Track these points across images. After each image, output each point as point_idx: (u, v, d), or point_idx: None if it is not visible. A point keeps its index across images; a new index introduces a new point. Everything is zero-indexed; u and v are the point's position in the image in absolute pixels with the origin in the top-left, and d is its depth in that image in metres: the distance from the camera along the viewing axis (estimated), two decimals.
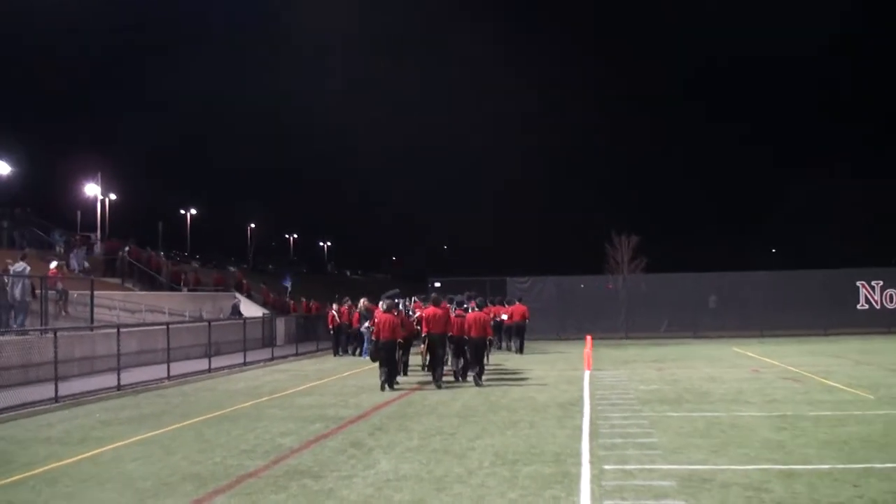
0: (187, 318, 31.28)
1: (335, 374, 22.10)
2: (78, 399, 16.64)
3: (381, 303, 19.12)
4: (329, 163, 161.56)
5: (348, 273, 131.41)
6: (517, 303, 30.04)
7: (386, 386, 17.80)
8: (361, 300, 28.83)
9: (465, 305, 20.44)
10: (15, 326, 21.03)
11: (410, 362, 21.61)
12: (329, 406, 15.30)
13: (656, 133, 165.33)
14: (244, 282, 48.94)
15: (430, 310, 19.17)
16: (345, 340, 29.71)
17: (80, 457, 10.76)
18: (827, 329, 34.83)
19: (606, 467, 9.44)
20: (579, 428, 12.16)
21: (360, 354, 27.75)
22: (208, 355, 23.19)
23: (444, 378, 18.87)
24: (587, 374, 20.39)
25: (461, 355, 19.54)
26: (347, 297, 30.72)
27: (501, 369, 22.68)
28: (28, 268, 22.42)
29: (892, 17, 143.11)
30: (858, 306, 35.71)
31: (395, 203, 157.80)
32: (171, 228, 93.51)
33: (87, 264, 32.64)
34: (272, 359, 26.83)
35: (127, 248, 38.49)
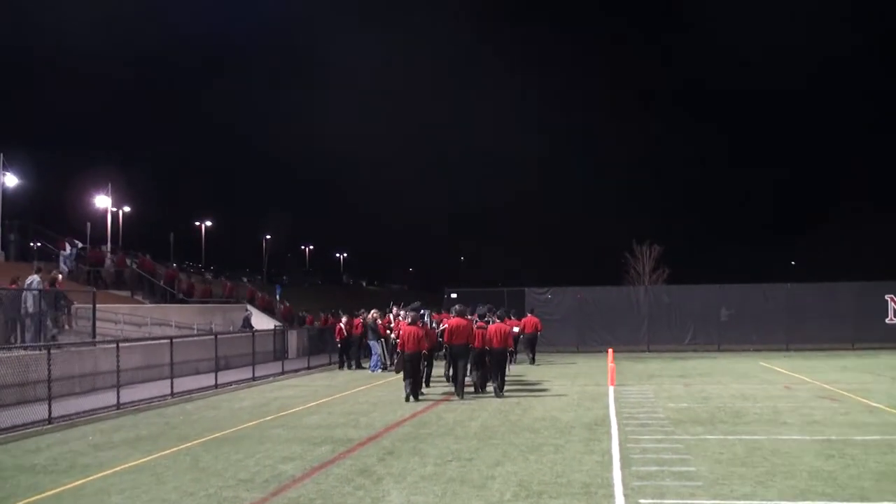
0: (195, 332, 30.36)
1: (346, 389, 21.13)
2: (73, 420, 15.73)
3: (405, 315, 19.61)
4: (346, 175, 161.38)
5: (364, 284, 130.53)
6: (529, 315, 29.76)
7: (411, 398, 17.93)
8: (371, 312, 27.84)
9: (487, 317, 20.48)
10: (27, 341, 20.37)
11: (433, 374, 21.45)
12: (338, 426, 14.33)
13: (679, 142, 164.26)
14: (259, 294, 48.12)
15: (454, 321, 19.16)
16: (356, 353, 28.74)
17: (62, 488, 9.81)
18: (854, 343, 33.69)
19: (643, 502, 8.46)
20: (608, 453, 11.17)
21: (370, 368, 26.88)
22: (215, 370, 22.26)
23: (465, 389, 18.84)
24: (611, 389, 19.42)
25: (481, 366, 19.38)
26: (363, 310, 29.71)
27: (521, 382, 21.73)
28: (42, 281, 22.02)
29: None
30: (887, 320, 34.45)
31: (411, 214, 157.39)
32: (187, 240, 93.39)
33: (72, 267, 31.67)
34: (282, 373, 25.89)
35: (136, 260, 37.86)
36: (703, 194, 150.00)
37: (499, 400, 17.80)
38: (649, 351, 34.75)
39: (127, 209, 71.08)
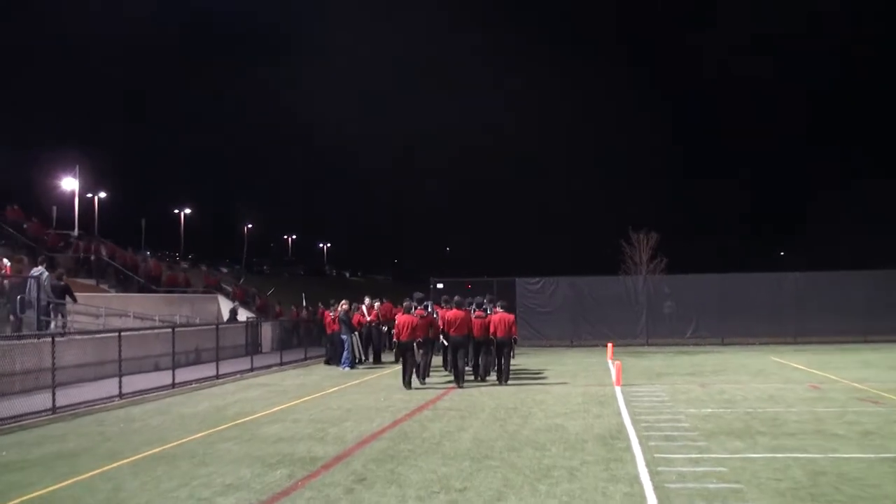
0: (158, 323, 27.85)
1: (318, 390, 18.73)
2: None
3: (406, 304, 19.69)
4: (330, 164, 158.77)
5: (347, 275, 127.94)
6: (499, 310, 26.35)
7: (410, 384, 18.62)
8: (342, 304, 25.39)
9: (485, 307, 20.42)
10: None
11: (432, 362, 21.00)
12: (301, 439, 11.95)
13: (678, 127, 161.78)
14: (234, 287, 45.52)
15: (452, 312, 19.55)
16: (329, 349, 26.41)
17: None
18: (867, 335, 31.59)
19: None
20: (637, 480, 8.83)
21: (340, 364, 24.51)
22: (172, 368, 19.85)
23: (466, 378, 19.43)
24: (618, 390, 17.15)
25: (484, 355, 19.96)
26: (332, 301, 27.27)
27: (515, 382, 19.50)
28: (46, 272, 21.55)
29: None
30: None
31: (397, 204, 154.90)
32: (168, 229, 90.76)
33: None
34: (251, 370, 23.46)
35: (100, 247, 35.41)
36: (691, 183, 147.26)
37: (493, 405, 15.45)
38: (648, 345, 32.52)
39: (103, 195, 68.74)
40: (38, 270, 21.43)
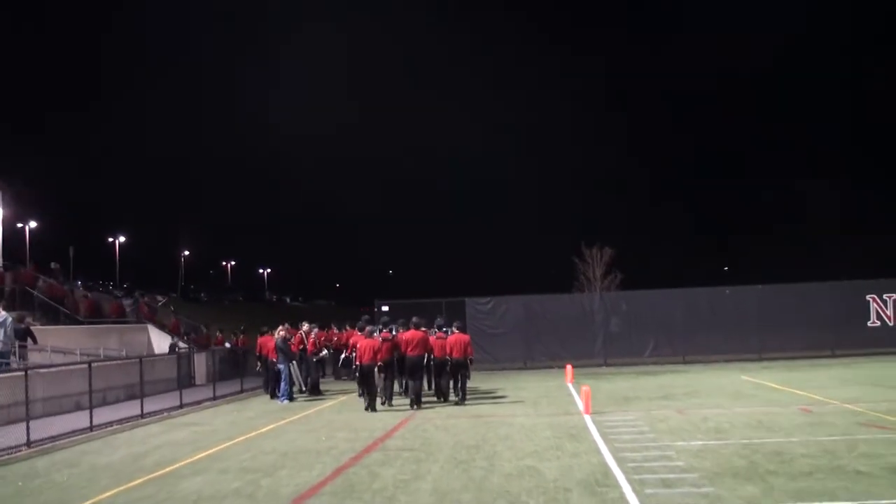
0: (77, 357, 25.42)
1: (252, 429, 16.61)
2: None
3: (365, 328, 20.20)
4: (271, 190, 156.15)
5: (288, 300, 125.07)
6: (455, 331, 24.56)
7: (370, 409, 18.61)
8: (279, 329, 23.28)
9: (445, 328, 20.26)
10: None
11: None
12: (227, 497, 9.88)
13: (631, 137, 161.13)
14: (167, 316, 42.91)
15: (410, 333, 19.53)
16: (267, 379, 24.29)
17: None
18: (834, 349, 30.27)
19: None
20: None
21: (279, 397, 22.38)
22: (90, 408, 17.64)
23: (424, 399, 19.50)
24: (589, 420, 15.37)
25: (442, 376, 19.97)
26: (267, 328, 25.15)
27: (472, 411, 17.67)
28: (9, 317, 21.49)
29: None
30: (869, 323, 30.99)
31: (338, 228, 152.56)
32: (103, 258, 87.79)
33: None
34: (180, 406, 21.27)
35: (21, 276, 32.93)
36: (655, 192, 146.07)
37: (451, 442, 13.49)
38: (607, 365, 30.81)
39: (33, 224, 66.03)
40: (2, 316, 21.04)
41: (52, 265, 37.63)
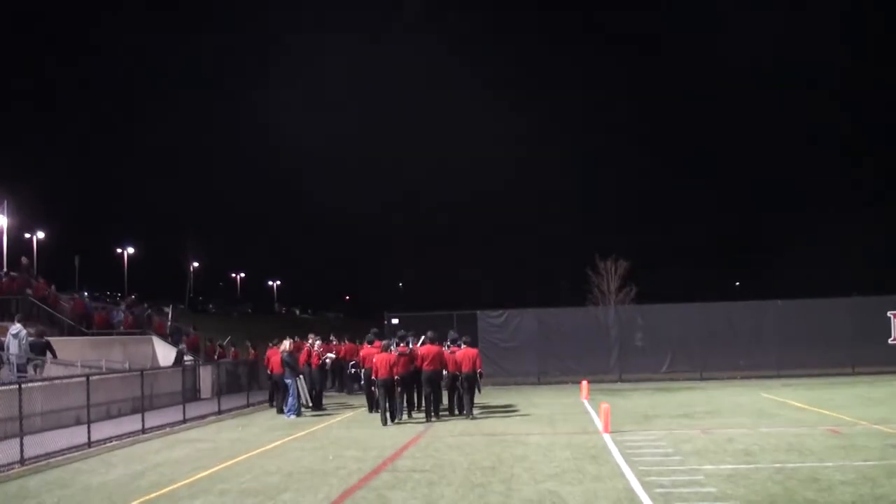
0: (79, 370, 24.76)
1: (256, 446, 15.91)
2: None
3: (375, 341, 20.64)
4: (281, 200, 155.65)
5: (297, 312, 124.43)
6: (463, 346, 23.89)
7: (387, 421, 18.67)
8: (284, 342, 22.62)
9: (459, 342, 20.40)
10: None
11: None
12: None
13: (650, 149, 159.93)
14: (178, 326, 42.18)
15: (425, 348, 19.89)
16: (272, 392, 23.71)
17: None
18: (854, 367, 29.46)
19: None
20: None
21: (286, 412, 21.72)
22: (88, 422, 16.99)
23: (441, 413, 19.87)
24: (608, 439, 14.66)
25: (454, 391, 20.10)
26: (275, 340, 24.57)
27: (486, 429, 16.97)
28: (24, 330, 21.74)
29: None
30: (890, 340, 30.15)
31: (348, 241, 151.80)
32: (114, 268, 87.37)
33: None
34: (184, 421, 20.59)
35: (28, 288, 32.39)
36: (655, 209, 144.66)
37: (465, 463, 12.79)
38: (622, 381, 30.05)
39: (41, 235, 65.71)
40: (16, 328, 21.38)
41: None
